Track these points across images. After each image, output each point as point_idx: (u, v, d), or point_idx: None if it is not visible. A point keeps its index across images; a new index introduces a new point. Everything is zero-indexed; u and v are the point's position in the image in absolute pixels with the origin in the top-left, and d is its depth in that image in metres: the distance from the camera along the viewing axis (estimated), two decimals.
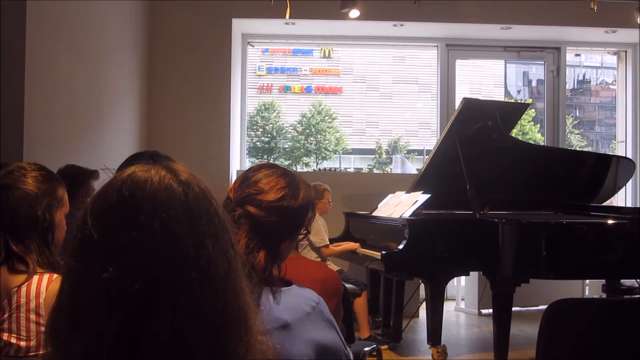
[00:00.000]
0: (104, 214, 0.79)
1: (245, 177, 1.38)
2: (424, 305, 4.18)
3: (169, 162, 0.85)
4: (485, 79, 10.19)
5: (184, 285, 0.76)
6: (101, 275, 0.74)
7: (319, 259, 4.56)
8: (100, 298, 0.74)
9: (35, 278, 1.65)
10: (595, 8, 5.17)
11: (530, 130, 10.76)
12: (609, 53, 7.42)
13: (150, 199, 0.78)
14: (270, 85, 9.08)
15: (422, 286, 4.92)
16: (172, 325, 0.74)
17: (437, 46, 6.71)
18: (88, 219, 0.78)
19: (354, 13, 5.57)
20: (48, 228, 1.72)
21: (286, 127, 9.38)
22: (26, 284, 1.64)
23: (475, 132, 4.40)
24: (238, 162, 6.50)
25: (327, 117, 9.56)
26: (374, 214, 4.77)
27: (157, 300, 0.75)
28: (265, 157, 9.18)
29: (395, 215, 4.30)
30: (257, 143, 9.29)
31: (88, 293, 0.76)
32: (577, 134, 12.64)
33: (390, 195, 4.85)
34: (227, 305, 0.79)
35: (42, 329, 1.60)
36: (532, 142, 8.95)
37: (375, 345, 3.04)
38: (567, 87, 7.08)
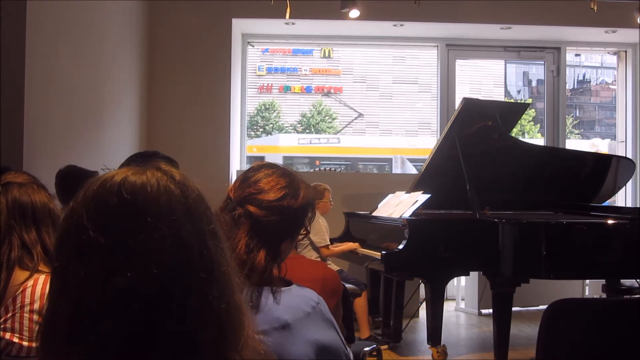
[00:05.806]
0: (105, 218, 0.77)
1: (246, 176, 1.39)
2: (424, 305, 4.17)
3: (158, 164, 0.84)
4: (485, 79, 10.19)
5: (193, 286, 0.77)
6: (109, 280, 0.74)
7: (319, 259, 4.56)
8: (109, 302, 0.74)
9: (41, 279, 1.66)
10: (595, 8, 5.16)
11: (530, 130, 10.76)
12: (609, 53, 7.42)
13: (153, 202, 0.78)
14: (270, 85, 9.08)
15: (422, 286, 4.91)
16: (182, 325, 0.75)
17: (437, 46, 6.70)
18: (86, 224, 0.76)
19: (354, 13, 5.57)
20: (57, 219, 1.77)
21: (286, 127, 9.37)
22: (32, 284, 1.65)
23: (475, 132, 4.40)
24: (238, 162, 6.50)
25: (327, 117, 9.55)
26: (374, 214, 4.77)
27: (168, 302, 0.75)
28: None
29: (395, 215, 4.30)
30: None
31: (94, 298, 0.74)
32: (577, 134, 12.64)
33: (390, 195, 4.85)
34: (229, 302, 0.80)
35: None
36: (532, 142, 8.94)
37: (375, 345, 3.04)
38: (567, 87, 7.08)
